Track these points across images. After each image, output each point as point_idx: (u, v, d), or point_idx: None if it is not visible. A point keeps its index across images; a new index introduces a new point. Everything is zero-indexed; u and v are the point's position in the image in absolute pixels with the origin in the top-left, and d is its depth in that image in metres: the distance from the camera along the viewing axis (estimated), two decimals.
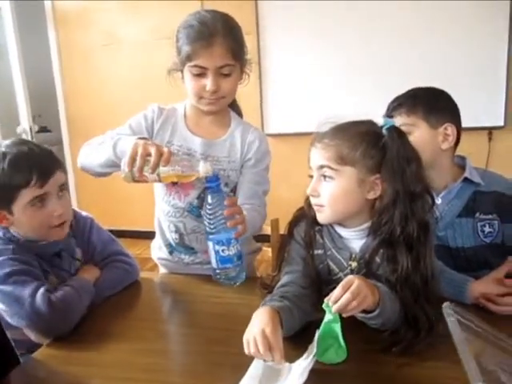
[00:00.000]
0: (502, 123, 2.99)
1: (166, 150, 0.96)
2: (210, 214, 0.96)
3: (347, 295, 0.76)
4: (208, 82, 1.09)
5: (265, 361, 0.77)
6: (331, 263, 0.98)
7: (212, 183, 0.96)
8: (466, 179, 1.16)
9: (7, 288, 0.95)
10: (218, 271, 1.01)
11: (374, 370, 0.80)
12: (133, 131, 1.19)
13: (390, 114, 1.19)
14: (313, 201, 0.95)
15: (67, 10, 3.65)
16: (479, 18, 2.90)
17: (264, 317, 0.81)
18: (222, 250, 0.97)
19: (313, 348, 0.78)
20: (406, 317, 0.86)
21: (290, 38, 3.22)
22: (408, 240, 0.88)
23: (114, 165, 1.08)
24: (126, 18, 3.52)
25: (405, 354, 0.81)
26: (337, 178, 0.90)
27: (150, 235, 1.44)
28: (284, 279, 0.97)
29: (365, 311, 0.81)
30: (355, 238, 0.96)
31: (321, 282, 0.97)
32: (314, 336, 0.80)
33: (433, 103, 1.16)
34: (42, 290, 0.95)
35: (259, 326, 0.79)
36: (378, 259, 0.92)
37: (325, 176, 0.91)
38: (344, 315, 0.78)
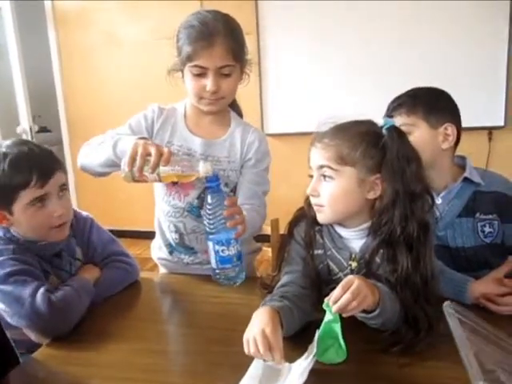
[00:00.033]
0: (502, 123, 2.99)
1: (166, 149, 0.96)
2: (209, 214, 0.96)
3: (347, 295, 0.76)
4: (208, 83, 1.09)
5: (265, 361, 0.77)
6: (331, 263, 0.98)
7: (212, 183, 0.96)
8: (466, 179, 1.16)
9: (7, 288, 0.95)
10: (217, 271, 1.00)
11: (374, 369, 0.80)
12: (133, 131, 1.19)
13: (390, 114, 1.19)
14: (313, 201, 0.95)
15: (67, 10, 3.65)
16: (479, 18, 2.90)
17: (264, 317, 0.81)
18: (222, 250, 0.97)
19: (313, 348, 0.78)
20: (406, 317, 0.86)
21: (290, 38, 3.22)
22: (408, 240, 0.88)
23: (114, 164, 1.08)
24: (126, 18, 3.52)
25: (405, 353, 0.81)
26: (337, 178, 0.90)
27: (150, 235, 1.44)
28: (284, 279, 0.97)
29: (365, 311, 0.81)
30: (355, 238, 0.96)
31: (321, 282, 0.97)
32: (314, 336, 0.80)
33: (433, 103, 1.16)
34: (42, 289, 0.95)
35: (259, 325, 0.79)
36: (377, 259, 0.92)
37: (325, 176, 0.91)
38: (344, 315, 0.78)
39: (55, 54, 3.73)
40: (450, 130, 1.15)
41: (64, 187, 1.06)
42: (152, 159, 0.95)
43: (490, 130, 3.04)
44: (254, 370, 0.77)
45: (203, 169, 0.96)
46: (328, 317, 0.79)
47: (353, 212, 0.93)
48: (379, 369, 0.80)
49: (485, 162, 2.99)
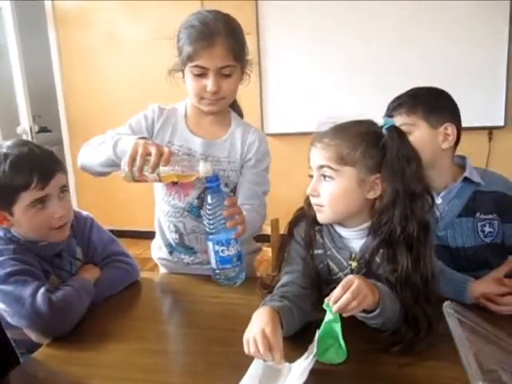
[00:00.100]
0: (502, 123, 2.99)
1: (166, 149, 0.96)
2: (209, 215, 0.96)
3: (347, 295, 0.76)
4: (209, 83, 1.09)
5: (265, 361, 0.77)
6: (331, 263, 0.98)
7: (212, 183, 0.96)
8: (466, 179, 1.16)
9: (8, 288, 0.95)
10: (217, 271, 1.00)
11: (374, 369, 0.81)
12: (133, 131, 1.19)
13: (390, 113, 1.19)
14: (313, 201, 0.95)
15: (67, 10, 3.65)
16: (479, 18, 2.90)
17: (264, 317, 0.81)
18: (222, 251, 0.97)
19: (313, 348, 0.78)
20: (406, 317, 0.86)
21: (290, 38, 3.22)
22: (408, 240, 0.88)
23: (114, 164, 1.08)
24: (126, 18, 3.52)
25: (405, 353, 0.81)
26: (337, 178, 0.90)
27: (150, 235, 1.44)
28: (284, 279, 0.97)
29: (365, 311, 0.81)
30: (355, 238, 0.96)
31: (321, 282, 0.97)
32: (314, 336, 0.80)
33: (433, 103, 1.16)
34: (42, 289, 0.95)
35: (259, 325, 0.79)
36: (378, 259, 0.92)
37: (325, 176, 0.91)
38: (344, 315, 0.78)
39: (55, 54, 3.73)
40: (450, 129, 1.15)
41: (64, 188, 1.06)
42: (152, 159, 0.95)
43: (490, 130, 3.04)
44: (254, 370, 0.77)
45: (203, 169, 0.96)
46: (328, 317, 0.79)
47: (353, 212, 0.93)
48: (379, 369, 0.80)
49: (485, 161, 2.99)
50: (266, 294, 0.96)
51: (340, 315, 0.79)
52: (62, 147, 3.87)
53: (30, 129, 3.59)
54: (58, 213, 1.02)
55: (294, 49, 3.24)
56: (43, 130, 4.39)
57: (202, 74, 1.10)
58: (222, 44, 1.06)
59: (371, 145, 0.89)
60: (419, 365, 0.80)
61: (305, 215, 1.00)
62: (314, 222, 0.98)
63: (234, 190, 1.24)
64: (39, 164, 0.99)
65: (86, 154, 1.18)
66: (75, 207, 1.17)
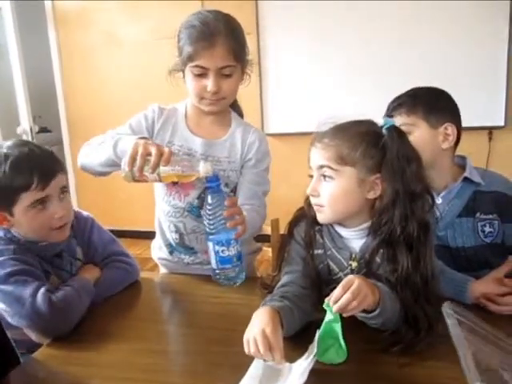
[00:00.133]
0: (502, 123, 2.99)
1: (166, 149, 0.96)
2: (209, 215, 0.96)
3: (347, 295, 0.76)
4: (209, 83, 1.09)
5: (265, 361, 0.77)
6: (331, 263, 0.98)
7: (212, 183, 0.96)
8: (466, 179, 1.16)
9: (8, 288, 0.95)
10: (217, 271, 1.00)
11: (374, 369, 0.81)
12: (133, 131, 1.19)
13: (390, 113, 1.19)
14: (313, 201, 0.95)
15: (67, 10, 3.65)
16: (479, 18, 2.90)
17: (264, 317, 0.81)
18: (222, 251, 0.97)
19: (313, 348, 0.78)
20: (406, 316, 0.86)
21: (290, 38, 3.22)
22: (408, 240, 0.88)
23: (114, 164, 1.08)
24: (126, 18, 3.52)
25: (405, 353, 0.81)
26: (337, 178, 0.90)
27: (150, 235, 1.44)
28: (284, 279, 0.97)
29: (365, 311, 0.81)
30: (355, 238, 0.96)
31: (321, 282, 0.97)
32: (314, 336, 0.80)
33: (433, 103, 1.16)
34: (42, 289, 0.95)
35: (259, 325, 0.79)
36: (378, 259, 0.92)
37: (325, 176, 0.91)
38: (344, 315, 0.78)
39: (55, 54, 3.73)
40: (450, 129, 1.15)
41: (65, 189, 1.06)
42: (152, 159, 0.95)
43: (490, 130, 3.04)
44: (255, 369, 0.77)
45: (203, 169, 0.96)
46: (328, 317, 0.79)
47: (353, 212, 0.93)
48: (379, 368, 0.81)
49: (485, 161, 2.99)
50: (266, 294, 0.96)
51: (340, 315, 0.79)
52: (62, 147, 3.87)
53: (30, 129, 3.59)
54: (58, 213, 1.02)
55: (294, 49, 3.24)
56: (43, 130, 4.39)
57: (202, 74, 1.10)
58: (222, 44, 1.06)
59: (371, 145, 0.89)
60: (419, 365, 0.80)
61: (305, 215, 1.00)
62: (314, 222, 0.98)
63: (234, 190, 1.24)
64: (39, 165, 0.99)
65: (86, 153, 1.18)
66: (75, 207, 1.17)
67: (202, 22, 1.08)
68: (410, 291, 0.87)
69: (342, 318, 0.79)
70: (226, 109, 1.24)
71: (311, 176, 0.95)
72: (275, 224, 1.52)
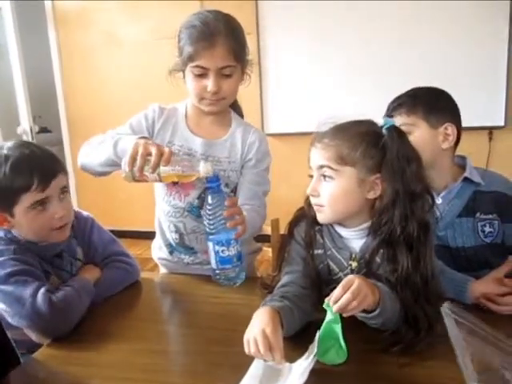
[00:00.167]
0: (502, 123, 2.99)
1: (166, 149, 0.96)
2: (210, 215, 0.96)
3: (347, 295, 0.76)
4: (209, 83, 1.09)
5: (265, 361, 0.77)
6: (331, 263, 0.98)
7: (212, 183, 0.96)
8: (466, 179, 1.16)
9: (8, 288, 0.95)
10: (217, 272, 1.00)
11: (374, 369, 0.81)
12: (133, 130, 1.19)
13: (390, 113, 1.19)
14: (313, 201, 0.95)
15: (67, 10, 3.65)
16: (479, 18, 2.90)
17: (264, 317, 0.81)
18: (222, 251, 0.97)
19: (313, 348, 0.78)
20: (406, 316, 0.86)
21: (290, 38, 3.22)
22: (408, 240, 0.88)
23: (115, 164, 1.08)
24: (126, 18, 3.52)
25: (405, 353, 0.81)
26: (337, 178, 0.90)
27: (150, 235, 1.44)
28: (284, 279, 0.97)
29: (365, 311, 0.81)
30: (355, 238, 0.96)
31: (321, 282, 0.97)
32: (314, 336, 0.80)
33: (433, 103, 1.16)
34: (42, 290, 0.95)
35: (259, 326, 0.79)
36: (378, 259, 0.92)
37: (325, 176, 0.91)
38: (344, 315, 0.78)
39: (55, 54, 3.73)
40: (450, 129, 1.15)
41: (65, 189, 1.06)
42: (152, 159, 0.95)
43: (491, 130, 3.04)
44: (255, 369, 0.77)
45: (204, 169, 0.96)
46: (329, 317, 0.79)
47: (353, 212, 0.93)
48: (379, 368, 0.81)
49: (485, 161, 2.99)
50: (266, 294, 0.96)
51: (340, 316, 0.79)
52: (62, 147, 3.87)
53: (31, 129, 3.58)
54: (58, 213, 1.02)
55: (294, 49, 3.24)
56: (43, 130, 4.39)
57: (202, 74, 1.10)
58: (222, 44, 1.06)
59: (371, 145, 0.89)
60: (419, 365, 0.80)
61: (305, 215, 1.00)
62: (314, 222, 0.98)
63: (234, 190, 1.24)
64: (40, 166, 0.99)
65: (86, 153, 1.18)
66: (75, 207, 1.17)
67: (203, 22, 1.08)
68: (410, 291, 0.87)
69: (342, 318, 0.79)
70: (226, 109, 1.24)
71: (311, 176, 0.95)
72: (275, 224, 1.52)
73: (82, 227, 1.18)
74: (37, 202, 0.99)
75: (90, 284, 1.08)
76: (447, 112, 1.17)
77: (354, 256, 0.95)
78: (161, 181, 1.01)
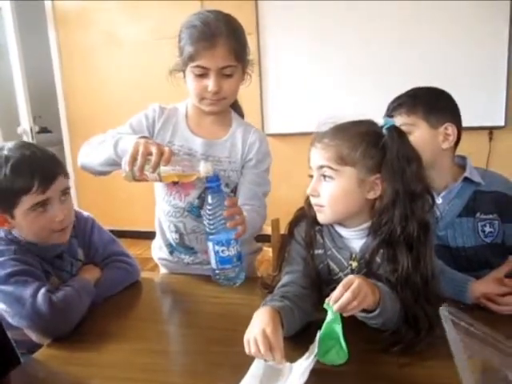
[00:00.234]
0: (502, 123, 2.99)
1: (166, 149, 0.96)
2: (210, 215, 0.96)
3: (348, 294, 0.76)
4: (210, 83, 1.09)
5: (266, 361, 0.77)
6: (331, 263, 0.98)
7: (212, 183, 0.96)
8: (466, 179, 1.16)
9: (8, 288, 0.95)
10: (217, 272, 1.00)
11: (375, 369, 0.81)
12: (134, 130, 1.19)
13: (390, 113, 1.19)
14: (313, 201, 0.95)
15: (67, 10, 3.65)
16: (479, 18, 2.90)
17: (265, 317, 0.81)
18: (222, 251, 0.97)
19: (314, 348, 0.78)
20: (407, 316, 0.86)
21: (290, 38, 3.22)
22: (408, 240, 0.88)
23: (115, 163, 1.08)
24: (126, 18, 3.52)
25: (405, 353, 0.81)
26: (337, 178, 0.90)
27: (150, 235, 1.44)
28: (284, 279, 0.97)
29: (365, 311, 0.81)
30: (355, 238, 0.96)
31: (321, 282, 0.97)
32: (314, 336, 0.80)
33: (433, 103, 1.16)
34: (43, 290, 0.95)
35: (260, 325, 0.79)
36: (378, 259, 0.92)
37: (325, 176, 0.91)
38: (345, 314, 0.78)
39: (55, 54, 3.73)
40: (451, 129, 1.15)
41: (66, 191, 1.06)
42: (153, 158, 0.95)
43: (491, 130, 3.04)
44: (255, 369, 0.77)
45: (204, 169, 0.96)
46: (329, 317, 0.79)
47: (353, 212, 0.93)
48: (379, 368, 0.81)
49: (485, 161, 2.99)
50: (266, 294, 0.96)
51: (341, 316, 0.79)
52: (63, 147, 3.87)
53: (31, 129, 3.58)
54: (58, 216, 1.02)
55: (294, 49, 3.24)
56: (43, 130, 4.40)
57: (203, 74, 1.10)
58: (223, 44, 1.06)
59: (371, 145, 0.89)
60: (419, 365, 0.80)
61: (305, 215, 1.00)
62: (315, 222, 0.98)
63: (234, 191, 1.24)
64: (40, 167, 0.99)
65: (86, 153, 1.18)
66: (75, 207, 1.17)
67: (203, 22, 1.08)
68: (410, 291, 0.87)
69: (342, 318, 0.79)
70: (227, 109, 1.24)
71: (311, 176, 0.95)
72: (276, 224, 1.52)
73: (82, 227, 1.18)
74: (37, 203, 0.99)
75: (90, 284, 1.08)
76: (447, 112, 1.17)
77: (354, 256, 0.95)
78: (161, 180, 1.01)
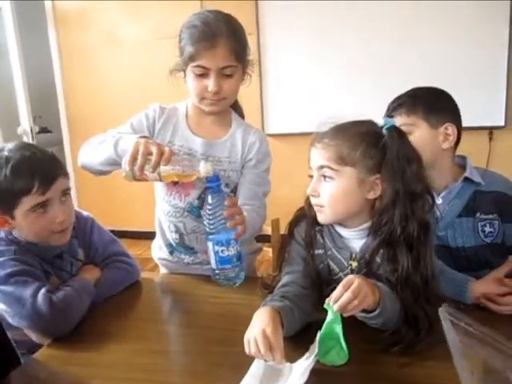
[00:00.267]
0: (502, 123, 2.99)
1: (166, 149, 0.96)
2: (209, 215, 0.96)
3: (348, 294, 0.76)
4: (210, 83, 1.09)
5: (266, 361, 0.77)
6: (331, 263, 0.98)
7: (212, 183, 0.96)
8: (466, 179, 1.16)
9: (8, 288, 0.95)
10: (217, 272, 1.00)
11: (375, 369, 0.81)
12: (134, 130, 1.19)
13: (390, 114, 1.19)
14: (313, 201, 0.95)
15: (67, 10, 3.65)
16: (479, 18, 2.90)
17: (265, 317, 0.81)
18: (222, 251, 0.97)
19: (314, 348, 0.78)
20: (407, 316, 0.86)
21: (290, 38, 3.22)
22: (408, 240, 0.88)
23: (115, 163, 1.09)
24: (126, 18, 3.52)
25: (405, 353, 0.81)
26: (337, 179, 0.90)
27: (150, 235, 1.44)
28: (284, 279, 0.97)
29: (365, 311, 0.81)
30: (355, 238, 0.96)
31: (321, 282, 0.97)
32: (314, 336, 0.80)
33: (433, 103, 1.16)
34: (43, 290, 0.95)
35: (260, 326, 0.79)
36: (378, 259, 0.92)
37: (325, 176, 0.91)
38: (345, 315, 0.78)
39: (55, 54, 3.73)
40: (451, 129, 1.15)
41: (66, 192, 1.05)
42: (153, 158, 0.95)
43: (491, 130, 3.04)
44: (255, 369, 0.77)
45: (204, 169, 0.96)
46: (330, 317, 0.79)
47: (353, 212, 0.93)
48: (379, 368, 0.81)
49: (485, 161, 2.99)
50: (266, 294, 0.96)
51: (341, 316, 0.79)
52: (63, 147, 3.87)
53: (31, 129, 3.58)
54: (59, 217, 1.02)
55: (294, 49, 3.23)
56: (43, 130, 4.39)
57: (203, 74, 1.10)
58: (223, 45, 1.06)
59: (371, 145, 0.89)
60: (419, 365, 0.80)
61: (305, 215, 1.00)
62: (315, 222, 0.98)
63: (234, 191, 1.24)
64: (40, 168, 0.99)
65: (86, 152, 1.18)
66: (75, 207, 1.17)
67: (204, 22, 1.08)
68: (410, 291, 0.87)
69: (342, 319, 0.79)
70: (227, 109, 1.24)
71: (311, 176, 0.95)
72: (276, 224, 1.52)
73: (82, 227, 1.18)
74: (37, 204, 0.98)
75: (90, 284, 1.08)
76: (447, 112, 1.17)
77: (354, 256, 0.95)
78: (161, 180, 1.01)
